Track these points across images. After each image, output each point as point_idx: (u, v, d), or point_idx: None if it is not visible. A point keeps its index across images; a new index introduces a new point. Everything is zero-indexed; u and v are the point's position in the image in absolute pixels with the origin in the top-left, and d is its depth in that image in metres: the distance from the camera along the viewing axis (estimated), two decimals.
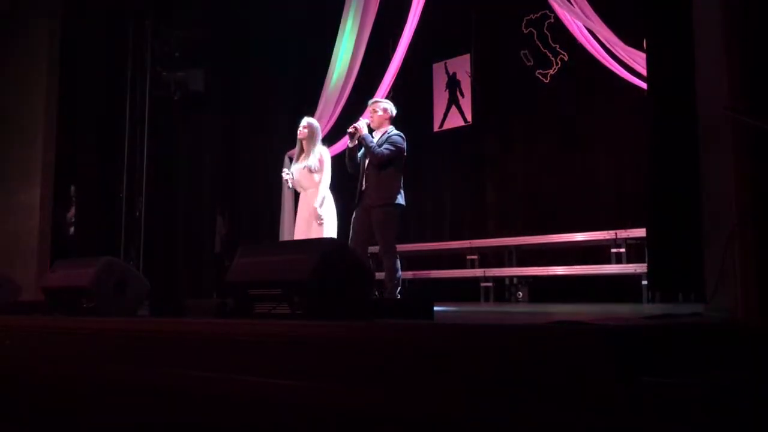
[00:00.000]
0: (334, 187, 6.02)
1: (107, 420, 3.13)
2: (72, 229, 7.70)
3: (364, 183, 5.47)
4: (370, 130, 5.60)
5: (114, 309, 4.18)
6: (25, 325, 4.15)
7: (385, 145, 5.40)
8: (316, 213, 5.74)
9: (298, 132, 5.98)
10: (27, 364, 3.82)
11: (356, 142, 5.49)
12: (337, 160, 6.29)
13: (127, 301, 4.34)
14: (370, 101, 5.85)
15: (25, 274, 6.60)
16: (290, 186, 6.03)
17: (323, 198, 5.80)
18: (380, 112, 5.60)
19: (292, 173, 5.96)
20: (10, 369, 3.85)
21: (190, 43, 8.18)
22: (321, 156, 5.88)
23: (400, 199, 5.40)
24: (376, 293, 5.59)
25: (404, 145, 5.47)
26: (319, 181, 5.82)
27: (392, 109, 5.67)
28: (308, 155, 5.86)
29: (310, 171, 5.79)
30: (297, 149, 6.06)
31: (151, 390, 3.03)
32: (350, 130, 5.51)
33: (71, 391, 3.39)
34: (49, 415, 3.41)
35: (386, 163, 5.37)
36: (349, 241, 5.44)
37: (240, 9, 8.53)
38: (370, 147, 5.37)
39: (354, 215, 5.51)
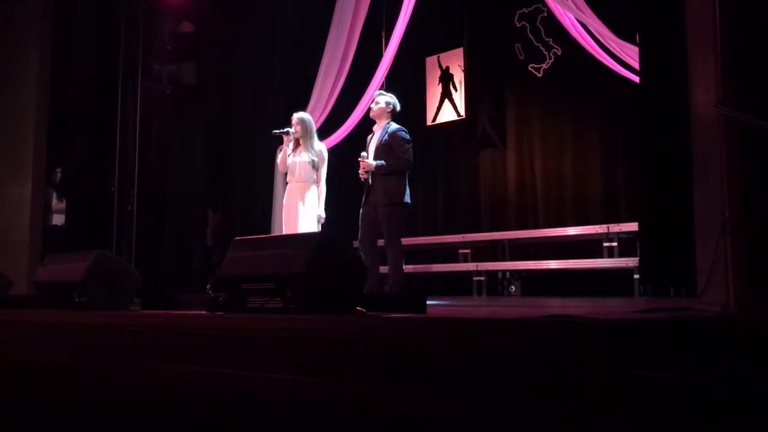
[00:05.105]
0: (332, 183, 6.09)
1: (101, 415, 3.13)
2: (54, 219, 7.68)
3: (370, 180, 5.46)
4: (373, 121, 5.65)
5: (106, 303, 4.16)
6: (17, 319, 4.13)
7: (403, 157, 5.38)
8: (314, 210, 5.82)
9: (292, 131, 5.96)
10: (18, 358, 3.80)
11: (369, 174, 5.46)
12: (332, 153, 6.32)
13: (120, 295, 4.31)
14: (377, 92, 5.91)
15: (17, 267, 6.55)
16: (290, 154, 5.93)
17: (321, 196, 5.90)
18: (382, 104, 5.58)
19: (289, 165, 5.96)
20: (2, 364, 3.84)
21: (183, 36, 8.14)
22: (321, 151, 5.93)
23: (407, 198, 5.42)
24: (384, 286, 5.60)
25: (410, 143, 5.46)
26: (317, 180, 5.88)
27: (395, 103, 5.62)
28: (307, 150, 5.86)
29: (314, 167, 5.83)
30: (291, 144, 6.01)
31: (143, 384, 3.03)
32: (362, 175, 5.48)
33: (64, 386, 3.38)
34: (42, 410, 3.40)
35: (408, 164, 5.42)
36: (358, 238, 5.46)
37: (233, 2, 8.50)
38: (389, 170, 5.37)
39: (361, 212, 5.51)
